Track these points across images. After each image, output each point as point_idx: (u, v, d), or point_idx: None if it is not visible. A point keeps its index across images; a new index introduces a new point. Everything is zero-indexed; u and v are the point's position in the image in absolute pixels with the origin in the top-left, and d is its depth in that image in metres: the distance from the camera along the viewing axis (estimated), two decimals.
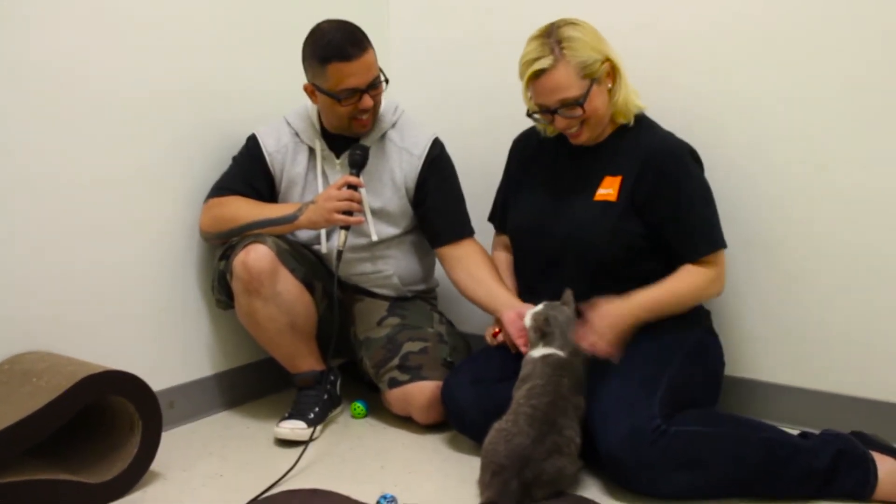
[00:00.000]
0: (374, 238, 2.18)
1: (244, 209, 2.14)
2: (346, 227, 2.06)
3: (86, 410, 1.77)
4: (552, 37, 1.86)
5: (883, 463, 1.71)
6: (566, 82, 1.85)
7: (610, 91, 1.92)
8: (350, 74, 2.02)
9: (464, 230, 2.22)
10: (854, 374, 2.05)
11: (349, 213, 2.03)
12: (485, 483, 1.70)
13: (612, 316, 1.81)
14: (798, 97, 2.05)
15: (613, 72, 1.91)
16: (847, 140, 2.00)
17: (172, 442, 2.06)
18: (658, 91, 2.16)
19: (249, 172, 2.20)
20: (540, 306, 1.88)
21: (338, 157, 2.18)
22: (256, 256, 2.04)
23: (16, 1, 1.82)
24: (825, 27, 2.00)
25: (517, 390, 1.80)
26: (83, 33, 1.95)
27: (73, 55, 1.93)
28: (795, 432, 1.80)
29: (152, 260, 2.15)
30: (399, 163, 2.19)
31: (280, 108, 2.26)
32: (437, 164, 2.21)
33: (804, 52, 2.03)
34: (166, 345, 2.20)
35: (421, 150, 2.19)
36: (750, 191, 2.13)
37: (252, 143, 2.21)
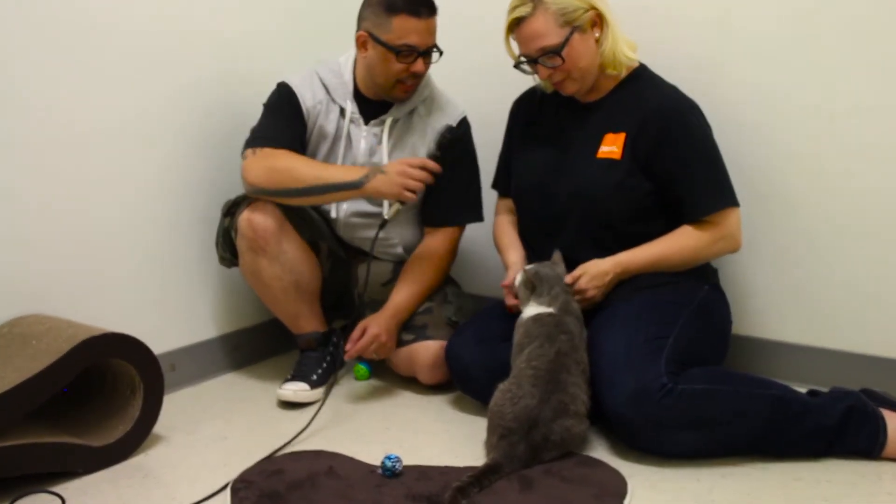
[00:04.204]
0: (386, 216, 2.13)
1: (304, 168, 2.02)
2: (403, 202, 2.01)
3: (87, 373, 1.76)
4: None
5: (892, 420, 1.70)
6: (544, 29, 1.83)
7: (597, 41, 1.88)
8: (414, 31, 1.97)
9: (446, 219, 2.18)
10: (864, 331, 2.03)
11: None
12: (491, 444, 1.69)
13: (596, 271, 1.85)
14: (806, 45, 2.01)
15: (600, 21, 1.87)
16: (857, 89, 1.96)
17: (175, 405, 2.05)
18: (664, 41, 2.13)
19: (295, 127, 2.10)
20: (531, 265, 1.89)
21: (366, 122, 2.12)
22: (263, 214, 2.02)
23: None
24: None
25: (516, 357, 1.78)
26: None
27: (71, 5, 1.89)
28: (804, 390, 1.78)
29: (152, 221, 2.13)
30: (423, 139, 2.14)
31: (285, 65, 2.20)
32: (457, 146, 2.14)
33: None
34: (167, 307, 2.19)
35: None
36: (758, 143, 2.09)
37: (287, 94, 2.11)
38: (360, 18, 2.05)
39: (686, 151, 1.86)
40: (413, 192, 1.96)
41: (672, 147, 1.86)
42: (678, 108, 1.89)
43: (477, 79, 2.39)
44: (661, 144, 1.86)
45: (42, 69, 1.87)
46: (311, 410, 1.96)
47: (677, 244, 1.88)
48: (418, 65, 2.02)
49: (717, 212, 1.86)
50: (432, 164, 1.99)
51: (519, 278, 1.88)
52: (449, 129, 2.07)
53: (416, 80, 2.06)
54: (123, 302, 2.06)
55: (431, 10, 2.00)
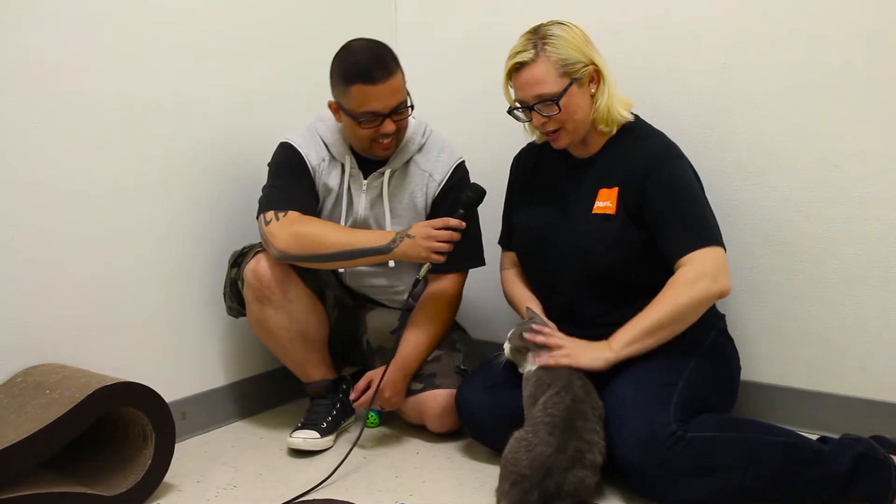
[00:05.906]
0: (392, 265, 2.17)
1: (332, 233, 2.02)
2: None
3: (99, 422, 1.77)
4: (538, 34, 1.88)
5: None
6: (543, 77, 1.85)
7: (593, 96, 1.91)
8: (373, 98, 1.96)
9: (451, 266, 2.13)
10: (874, 376, 2.03)
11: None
12: (503, 492, 1.68)
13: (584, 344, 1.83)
14: (808, 94, 2.04)
15: (598, 77, 1.91)
16: (859, 137, 1.99)
17: (185, 453, 2.05)
18: (666, 90, 2.17)
19: (309, 187, 2.12)
20: (512, 332, 1.90)
21: (365, 176, 2.14)
22: (268, 264, 2.04)
23: (18, 3, 1.82)
24: (834, 21, 1.99)
25: (530, 408, 1.78)
26: (87, 38, 1.95)
27: (77, 61, 1.94)
28: (814, 437, 1.78)
29: (163, 271, 2.15)
30: (421, 187, 2.15)
31: (289, 120, 2.24)
32: (456, 190, 2.15)
33: (812, 48, 2.02)
34: (178, 356, 2.20)
35: (442, 175, 2.15)
36: (763, 191, 2.12)
37: (293, 154, 2.12)
38: (330, 86, 2.04)
39: (665, 198, 1.86)
40: (441, 253, 1.97)
41: (653, 196, 1.86)
42: (659, 157, 1.90)
43: (486, 133, 2.43)
44: (644, 194, 1.87)
45: (60, 134, 1.91)
46: (322, 458, 1.96)
47: (658, 301, 1.81)
48: (386, 126, 2.00)
49: (691, 252, 1.81)
50: (455, 222, 1.97)
51: (509, 349, 1.89)
52: (472, 187, 2.05)
53: (392, 137, 2.05)
54: (135, 351, 2.08)
55: (388, 73, 1.95)
